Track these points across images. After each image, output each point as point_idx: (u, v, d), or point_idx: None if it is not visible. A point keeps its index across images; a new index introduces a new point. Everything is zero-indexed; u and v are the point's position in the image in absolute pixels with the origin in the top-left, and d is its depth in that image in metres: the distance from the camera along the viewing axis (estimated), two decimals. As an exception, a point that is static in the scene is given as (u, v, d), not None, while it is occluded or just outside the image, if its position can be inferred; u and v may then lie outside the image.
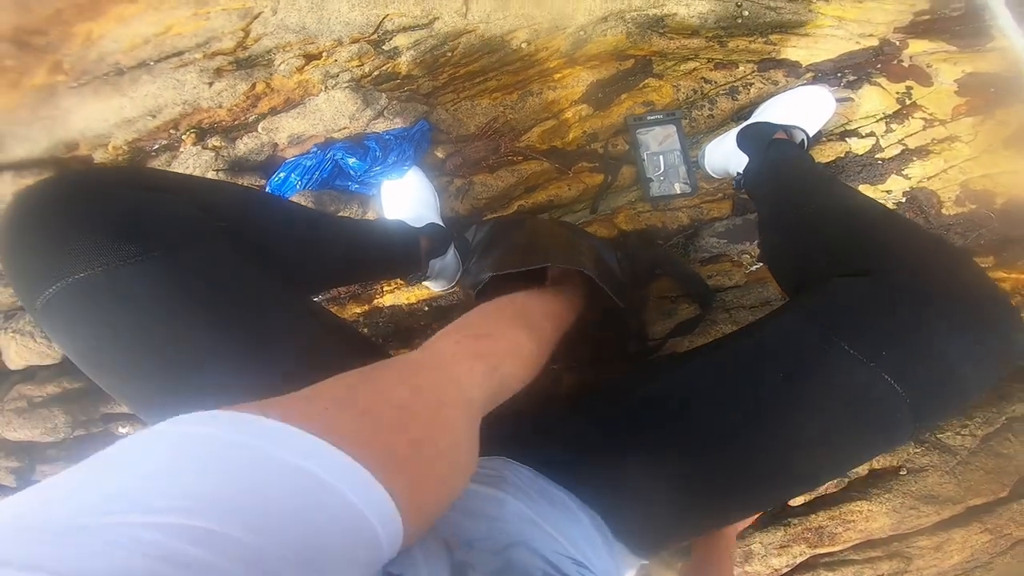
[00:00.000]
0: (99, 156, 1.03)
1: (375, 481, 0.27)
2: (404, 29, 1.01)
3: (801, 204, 0.71)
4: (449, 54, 1.01)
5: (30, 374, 1.00)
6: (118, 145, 1.01)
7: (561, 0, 1.02)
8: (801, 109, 1.04)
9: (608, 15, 1.05)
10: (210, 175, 0.93)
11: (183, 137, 1.02)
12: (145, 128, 1.01)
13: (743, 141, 0.95)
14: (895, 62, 1.24)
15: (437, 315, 0.97)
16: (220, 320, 0.44)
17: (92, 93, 1.01)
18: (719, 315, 0.96)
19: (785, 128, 0.94)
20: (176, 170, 0.95)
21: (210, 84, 0.99)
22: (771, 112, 1.03)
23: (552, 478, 0.51)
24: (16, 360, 0.97)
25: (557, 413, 0.62)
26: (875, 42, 1.20)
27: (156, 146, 1.04)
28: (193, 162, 0.93)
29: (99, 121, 0.99)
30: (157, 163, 1.01)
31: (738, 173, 0.94)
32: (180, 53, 1.03)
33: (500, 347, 0.47)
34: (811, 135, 0.98)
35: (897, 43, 1.24)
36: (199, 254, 0.44)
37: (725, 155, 0.99)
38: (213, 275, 0.45)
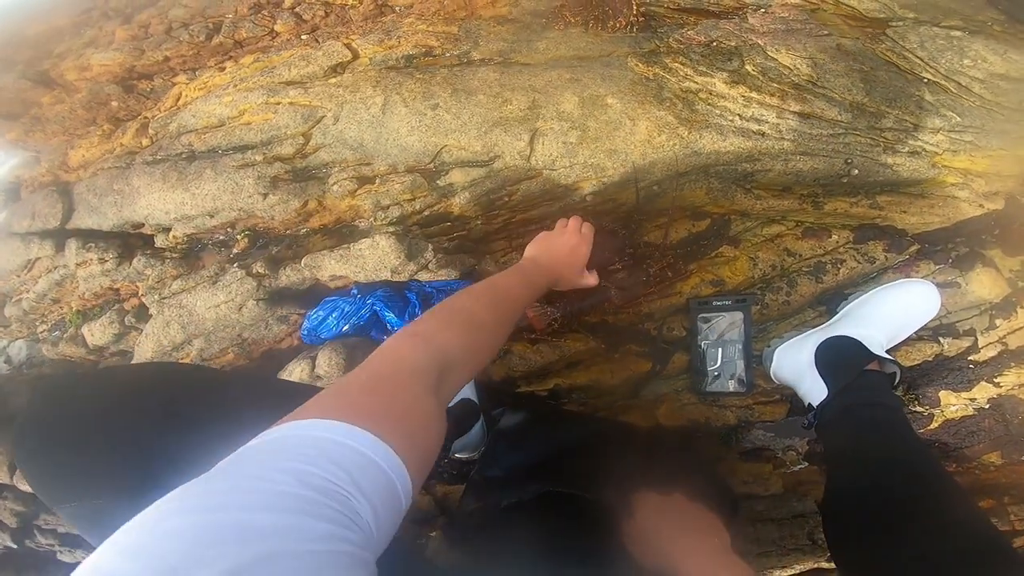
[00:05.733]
0: (160, 241, 1.06)
1: (390, 448, 0.38)
2: (462, 164, 0.94)
3: (887, 509, 0.65)
4: (507, 198, 0.95)
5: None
6: (178, 236, 1.04)
7: (637, 152, 0.91)
8: (901, 315, 0.89)
9: (690, 170, 0.94)
10: (250, 303, 0.94)
11: (238, 237, 1.04)
12: (203, 225, 1.02)
13: (824, 361, 0.81)
14: (1017, 224, 1.05)
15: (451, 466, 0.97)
16: None
17: (160, 177, 1.03)
18: (744, 528, 0.90)
19: (880, 359, 0.80)
20: (218, 294, 0.96)
21: (264, 196, 0.98)
22: (864, 315, 0.88)
23: None
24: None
25: None
26: (1000, 204, 1.01)
27: (212, 240, 1.06)
28: (236, 288, 0.95)
29: (162, 212, 1.02)
30: (214, 258, 1.04)
31: (810, 405, 0.81)
32: (244, 149, 1.02)
33: (431, 326, 0.58)
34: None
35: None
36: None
37: (797, 369, 0.85)
38: None
